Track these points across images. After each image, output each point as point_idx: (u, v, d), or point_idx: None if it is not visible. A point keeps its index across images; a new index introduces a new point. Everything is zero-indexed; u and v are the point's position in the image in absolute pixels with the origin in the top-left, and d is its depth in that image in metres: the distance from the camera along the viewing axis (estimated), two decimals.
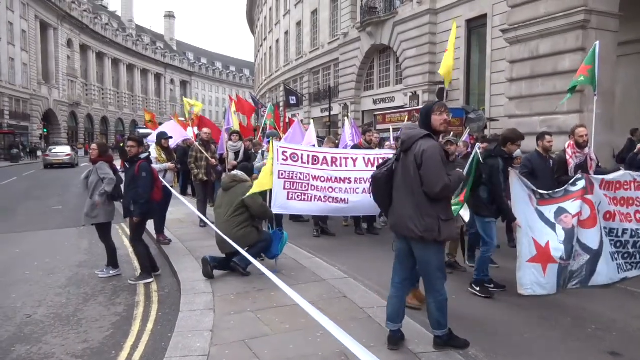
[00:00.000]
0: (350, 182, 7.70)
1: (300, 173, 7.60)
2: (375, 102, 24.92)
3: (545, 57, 11.01)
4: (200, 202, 9.54)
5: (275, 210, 7.51)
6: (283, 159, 7.53)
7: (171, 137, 8.64)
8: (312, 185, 7.65)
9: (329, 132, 26.98)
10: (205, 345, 3.87)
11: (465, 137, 10.76)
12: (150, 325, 4.66)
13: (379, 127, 22.18)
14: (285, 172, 7.52)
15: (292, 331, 4.14)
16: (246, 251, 5.76)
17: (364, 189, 7.60)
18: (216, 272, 5.69)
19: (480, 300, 5.24)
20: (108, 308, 5.19)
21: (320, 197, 7.70)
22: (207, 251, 6.23)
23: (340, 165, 7.81)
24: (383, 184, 3.86)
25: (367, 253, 7.45)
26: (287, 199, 7.58)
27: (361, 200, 7.66)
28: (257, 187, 6.23)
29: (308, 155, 7.72)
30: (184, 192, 14.48)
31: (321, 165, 7.73)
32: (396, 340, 3.83)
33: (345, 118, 15.48)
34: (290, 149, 7.71)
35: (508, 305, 5.05)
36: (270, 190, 7.13)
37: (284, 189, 7.56)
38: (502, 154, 5.34)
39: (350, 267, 6.48)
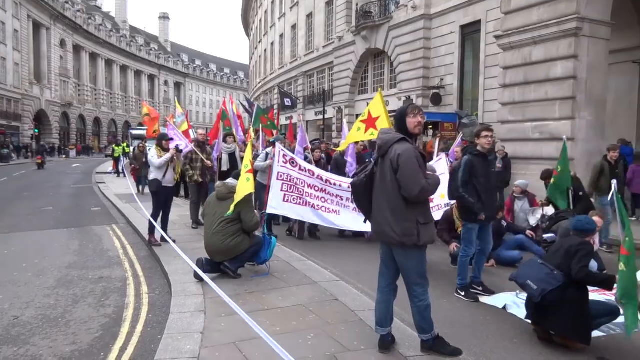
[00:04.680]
0: (342, 199, 8.10)
1: (297, 178, 7.93)
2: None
3: (538, 64, 11.11)
4: (193, 204, 9.51)
5: (269, 210, 7.69)
6: (283, 162, 7.87)
7: (172, 139, 8.41)
8: (306, 192, 7.96)
9: (323, 135, 27.02)
10: (195, 347, 3.84)
11: (458, 141, 10.83)
12: (139, 327, 4.62)
13: None
14: (284, 174, 7.84)
15: (283, 334, 4.12)
16: (239, 256, 5.81)
17: (354, 208, 7.83)
18: (207, 275, 5.65)
19: (471, 304, 5.26)
20: (97, 310, 5.14)
21: (313, 204, 8.00)
22: (199, 253, 6.19)
23: (334, 185, 8.16)
24: (362, 191, 3.83)
25: (358, 256, 7.44)
26: (283, 200, 7.84)
27: (353, 216, 7.89)
28: (236, 197, 5.80)
29: (304, 168, 8.09)
30: (176, 193, 14.45)
31: (316, 178, 8.08)
32: (387, 344, 3.82)
33: (344, 120, 15.73)
34: (290, 155, 8.11)
35: (499, 310, 5.06)
36: (256, 194, 7.13)
37: (282, 190, 7.85)
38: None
39: (342, 270, 6.49)
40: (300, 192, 7.96)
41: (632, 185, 10.89)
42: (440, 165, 8.17)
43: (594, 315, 4.12)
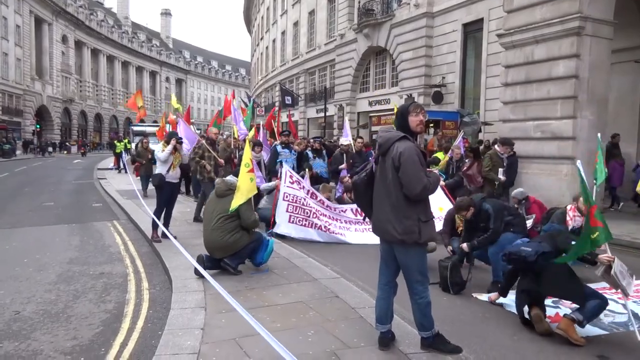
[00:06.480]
0: (341, 222, 8.42)
1: (304, 199, 8.18)
2: (370, 103, 24.95)
3: (540, 63, 11.07)
4: (200, 203, 9.54)
5: (276, 229, 7.97)
6: (290, 182, 8.11)
7: (181, 139, 8.11)
8: (314, 213, 8.19)
9: (324, 132, 27.00)
10: (195, 343, 3.85)
11: (459, 140, 10.83)
12: (140, 323, 4.63)
13: (373, 128, 22.30)
14: (289, 194, 8.07)
15: (283, 330, 4.13)
16: (238, 253, 5.82)
17: (355, 228, 8.33)
18: (208, 272, 5.66)
19: (471, 303, 5.26)
20: (98, 305, 5.15)
21: (320, 225, 8.23)
22: (199, 249, 6.21)
23: (334, 211, 8.52)
24: (363, 190, 3.86)
25: (359, 253, 7.45)
26: (289, 221, 8.06)
27: (357, 235, 8.25)
28: (241, 197, 5.79)
29: (308, 190, 8.39)
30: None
31: (317, 201, 8.39)
32: (386, 341, 3.82)
33: (346, 118, 15.91)
34: (296, 176, 8.41)
35: (499, 308, 5.06)
36: (256, 195, 7.15)
37: (287, 211, 8.06)
38: None
39: (343, 267, 6.49)
40: (307, 213, 8.17)
41: (612, 179, 11.57)
42: None
43: (587, 292, 4.30)
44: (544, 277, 4.35)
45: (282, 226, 8.07)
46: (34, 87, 50.33)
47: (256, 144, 10.00)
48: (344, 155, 10.45)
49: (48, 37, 53.98)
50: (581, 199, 6.07)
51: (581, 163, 4.76)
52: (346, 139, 11.18)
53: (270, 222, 8.26)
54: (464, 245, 5.73)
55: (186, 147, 8.76)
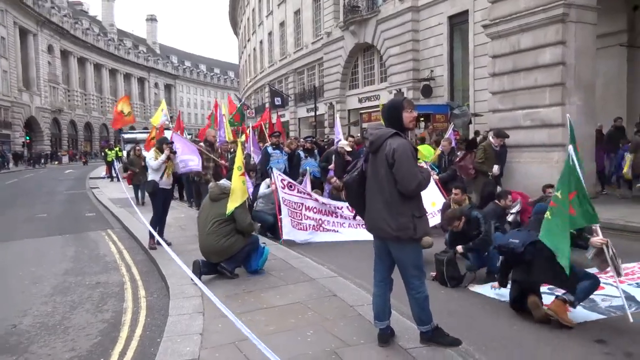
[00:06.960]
0: (337, 217, 8.50)
1: (295, 202, 8.21)
2: (360, 100, 24.96)
3: (527, 51, 11.13)
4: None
5: (285, 236, 7.96)
6: (282, 187, 8.11)
7: (172, 143, 7.84)
8: (304, 215, 8.25)
9: (315, 131, 26.98)
10: (195, 349, 3.83)
11: (449, 133, 10.85)
12: (138, 331, 4.61)
13: (364, 125, 22.31)
14: (286, 200, 8.10)
15: (282, 332, 4.12)
16: (234, 256, 5.80)
17: (350, 224, 8.38)
18: (204, 277, 5.64)
19: (469, 295, 5.29)
20: (95, 315, 5.12)
21: (313, 225, 8.30)
22: (195, 254, 6.18)
23: (329, 207, 8.57)
24: (356, 188, 3.85)
25: (355, 251, 7.44)
26: (292, 226, 8.10)
27: (351, 230, 8.32)
28: (235, 200, 5.77)
29: (303, 191, 8.44)
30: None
31: (313, 200, 8.45)
32: (386, 337, 3.82)
33: (337, 115, 15.95)
34: (288, 179, 8.43)
35: (496, 300, 5.08)
36: (249, 199, 7.13)
37: (289, 216, 8.09)
38: None
39: (339, 265, 6.49)
40: (299, 216, 8.22)
41: (598, 164, 11.81)
42: None
43: (578, 275, 4.33)
44: (534, 265, 4.39)
45: (289, 232, 8.04)
46: (21, 99, 49.92)
47: (251, 169, 9.69)
48: (334, 155, 10.38)
49: (34, 48, 53.54)
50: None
51: (573, 149, 4.77)
52: (346, 143, 10.92)
53: (272, 228, 8.39)
54: (459, 248, 5.71)
55: (195, 164, 8.57)
